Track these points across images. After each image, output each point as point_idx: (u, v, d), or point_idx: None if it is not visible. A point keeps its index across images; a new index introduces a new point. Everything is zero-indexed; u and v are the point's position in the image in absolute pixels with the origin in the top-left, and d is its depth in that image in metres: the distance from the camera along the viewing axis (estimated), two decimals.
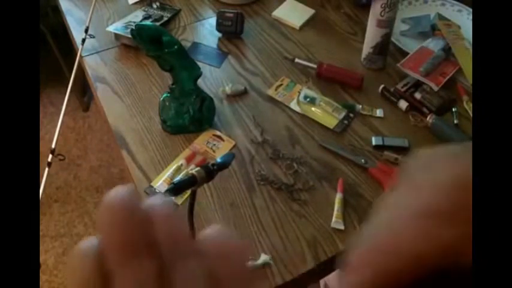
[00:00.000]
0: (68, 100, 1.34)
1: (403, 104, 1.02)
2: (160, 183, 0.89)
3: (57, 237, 1.85)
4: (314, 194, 0.87)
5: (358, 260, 0.20)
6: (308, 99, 1.03)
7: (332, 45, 1.19)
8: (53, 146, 1.34)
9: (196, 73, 0.95)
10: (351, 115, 1.01)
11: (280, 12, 1.28)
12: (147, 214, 0.19)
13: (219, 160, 0.68)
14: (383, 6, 1.01)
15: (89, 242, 0.19)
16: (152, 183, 0.89)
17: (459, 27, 1.19)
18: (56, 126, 1.33)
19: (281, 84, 1.08)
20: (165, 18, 1.26)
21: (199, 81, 0.98)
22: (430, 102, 1.01)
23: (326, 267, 0.80)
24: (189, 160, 0.93)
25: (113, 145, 2.10)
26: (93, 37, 1.21)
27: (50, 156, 1.34)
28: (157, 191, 0.88)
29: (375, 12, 1.04)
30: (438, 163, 0.20)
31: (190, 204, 0.65)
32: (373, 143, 0.95)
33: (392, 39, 1.11)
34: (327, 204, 0.85)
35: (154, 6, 1.30)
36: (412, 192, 0.20)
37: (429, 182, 0.19)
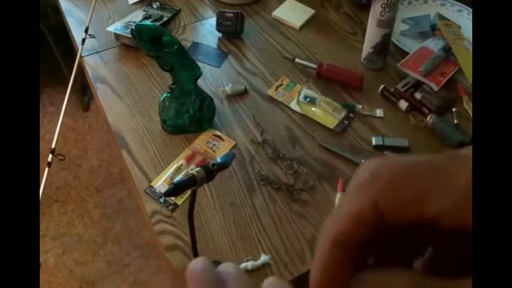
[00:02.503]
0: (68, 100, 1.34)
1: (403, 104, 1.02)
2: (160, 183, 0.89)
3: (57, 237, 1.85)
4: (314, 194, 0.87)
5: (321, 232, 0.24)
6: (308, 99, 1.03)
7: (332, 45, 1.19)
8: (53, 146, 1.35)
9: (196, 73, 0.95)
10: (351, 115, 1.01)
11: (280, 12, 1.28)
12: (223, 280, 0.24)
13: (219, 160, 0.68)
14: (383, 6, 1.01)
15: None
16: (152, 183, 0.89)
17: (459, 27, 1.19)
18: (56, 126, 1.33)
19: (281, 84, 1.08)
20: (165, 18, 1.26)
21: (199, 81, 0.98)
22: (430, 102, 1.01)
23: None
24: (189, 160, 0.93)
25: (113, 145, 2.10)
26: (93, 37, 1.21)
27: (50, 156, 1.35)
28: (158, 191, 0.88)
29: (375, 12, 1.04)
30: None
31: (190, 204, 0.65)
32: (373, 143, 0.95)
33: (393, 39, 1.11)
34: (327, 204, 0.85)
35: (154, 6, 1.30)
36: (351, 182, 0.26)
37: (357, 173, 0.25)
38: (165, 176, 0.90)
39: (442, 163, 0.23)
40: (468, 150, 0.23)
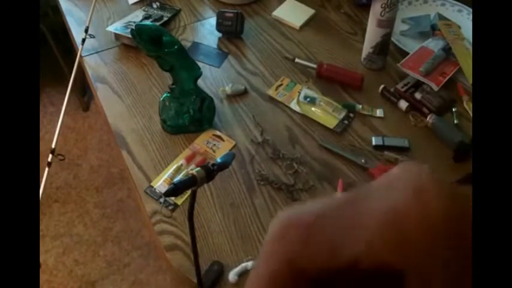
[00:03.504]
0: (68, 100, 1.34)
1: (403, 104, 1.02)
2: (161, 183, 0.89)
3: (57, 237, 1.85)
4: (314, 194, 0.87)
5: None
6: (308, 99, 1.03)
7: (332, 45, 1.19)
8: (53, 146, 1.35)
9: (196, 73, 0.95)
10: (351, 115, 1.01)
11: (280, 12, 1.28)
12: None
13: (219, 160, 0.68)
14: (383, 6, 1.01)
15: None
16: (152, 183, 0.89)
17: (459, 27, 1.19)
18: (56, 126, 1.33)
19: (281, 84, 1.08)
20: (165, 18, 1.26)
21: (199, 81, 0.98)
22: (430, 102, 1.01)
23: None
24: (189, 160, 0.93)
25: (113, 145, 2.10)
26: (93, 37, 1.21)
27: (50, 156, 1.35)
28: (158, 191, 0.88)
29: (375, 12, 1.04)
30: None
31: (190, 204, 0.65)
32: (373, 143, 0.95)
33: (393, 39, 1.11)
34: None
35: (154, 6, 1.30)
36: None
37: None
38: (165, 176, 0.90)
39: (349, 208, 0.22)
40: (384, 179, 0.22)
